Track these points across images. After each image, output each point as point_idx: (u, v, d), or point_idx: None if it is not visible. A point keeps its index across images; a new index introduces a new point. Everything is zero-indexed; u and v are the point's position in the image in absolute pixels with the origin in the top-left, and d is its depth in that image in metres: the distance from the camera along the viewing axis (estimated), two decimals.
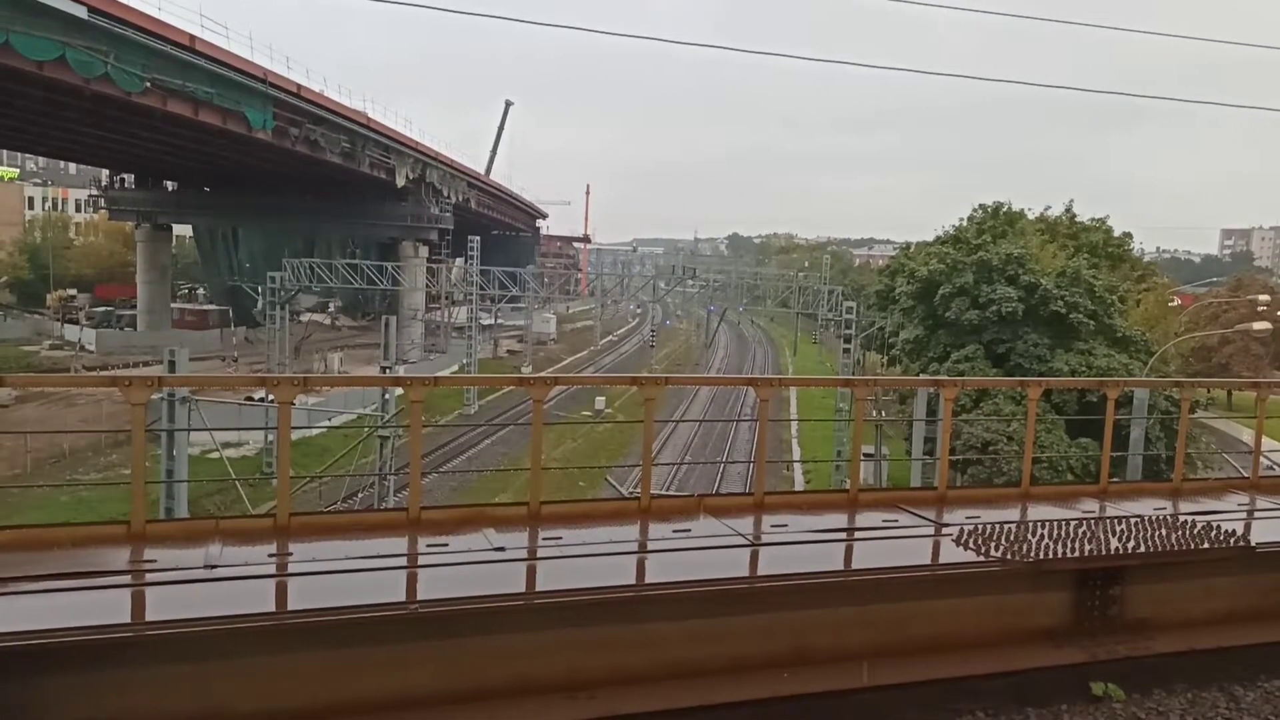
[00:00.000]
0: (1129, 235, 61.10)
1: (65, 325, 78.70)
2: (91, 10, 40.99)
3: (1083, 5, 67.91)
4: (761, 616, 4.94)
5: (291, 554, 5.12)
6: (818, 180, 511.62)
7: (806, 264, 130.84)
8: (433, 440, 44.51)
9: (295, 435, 7.83)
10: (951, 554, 5.58)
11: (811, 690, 4.79)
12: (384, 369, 34.35)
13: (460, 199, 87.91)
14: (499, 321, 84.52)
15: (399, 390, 17.55)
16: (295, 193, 75.98)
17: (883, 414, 40.63)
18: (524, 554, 5.40)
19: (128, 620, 4.25)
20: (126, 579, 4.77)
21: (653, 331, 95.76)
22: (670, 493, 25.06)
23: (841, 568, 5.67)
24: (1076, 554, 5.53)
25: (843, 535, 6.19)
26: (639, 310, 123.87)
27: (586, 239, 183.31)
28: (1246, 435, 33.65)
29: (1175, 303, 61.51)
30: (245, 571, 4.84)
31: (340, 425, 39.46)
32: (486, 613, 4.45)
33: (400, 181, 74.15)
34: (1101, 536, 5.83)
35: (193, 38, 48.55)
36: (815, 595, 5.10)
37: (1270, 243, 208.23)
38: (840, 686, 4.85)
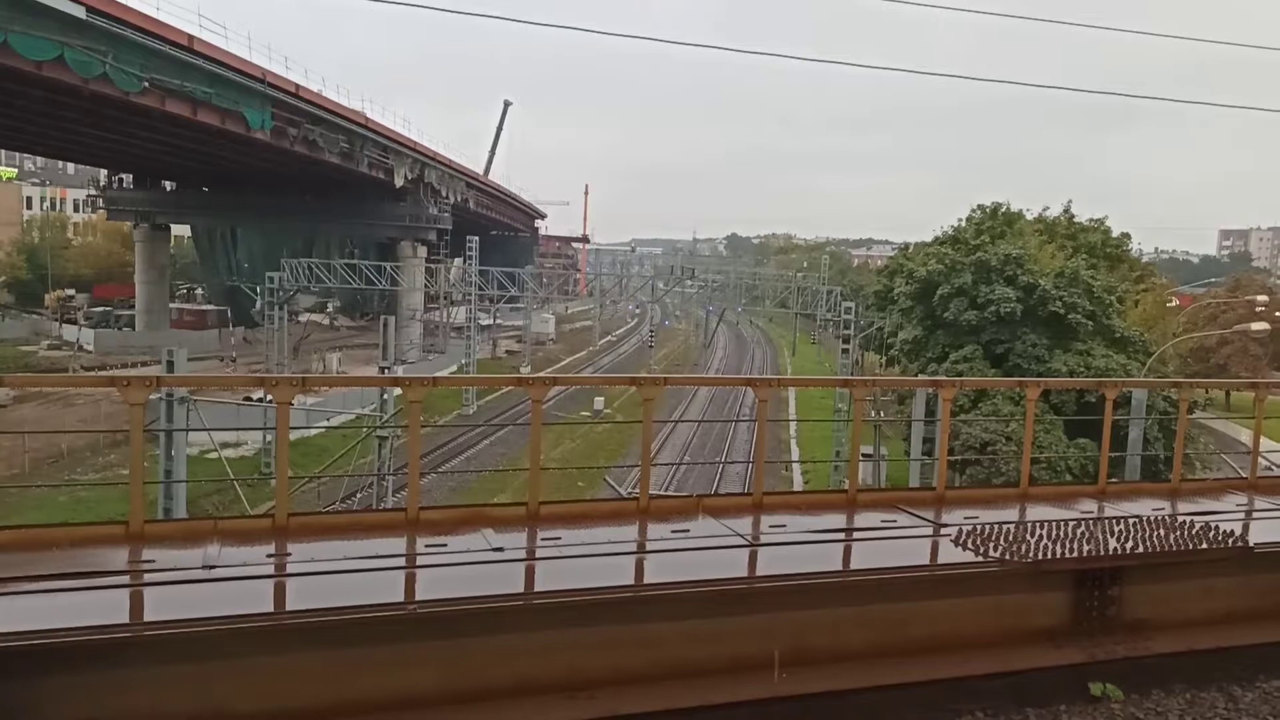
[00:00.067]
0: (1127, 236, 61.27)
1: (63, 325, 78.64)
2: (90, 10, 40.95)
3: (1073, 5, 67.80)
4: (760, 617, 4.95)
5: (290, 554, 5.12)
6: (816, 180, 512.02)
7: (805, 264, 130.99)
8: (431, 440, 44.50)
9: (294, 435, 7.82)
10: (950, 554, 5.58)
11: (811, 690, 4.79)
12: (382, 369, 34.37)
13: (459, 199, 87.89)
14: (498, 322, 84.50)
15: (397, 390, 17.55)
16: (294, 193, 75.94)
17: (881, 414, 40.68)
18: (523, 554, 5.40)
19: (126, 620, 4.24)
20: (125, 579, 4.77)
21: (651, 332, 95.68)
22: (669, 493, 25.05)
23: (840, 568, 5.68)
24: (1075, 554, 5.53)
25: (841, 535, 6.19)
26: (638, 310, 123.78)
27: (585, 239, 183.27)
28: (1245, 436, 33.72)
29: (1173, 303, 61.61)
30: (244, 572, 4.83)
31: (339, 425, 39.46)
32: (485, 613, 4.45)
33: (399, 181, 74.11)
34: (1100, 537, 5.83)
35: (191, 38, 48.51)
36: (814, 596, 5.10)
37: (1268, 243, 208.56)
38: (840, 687, 4.85)
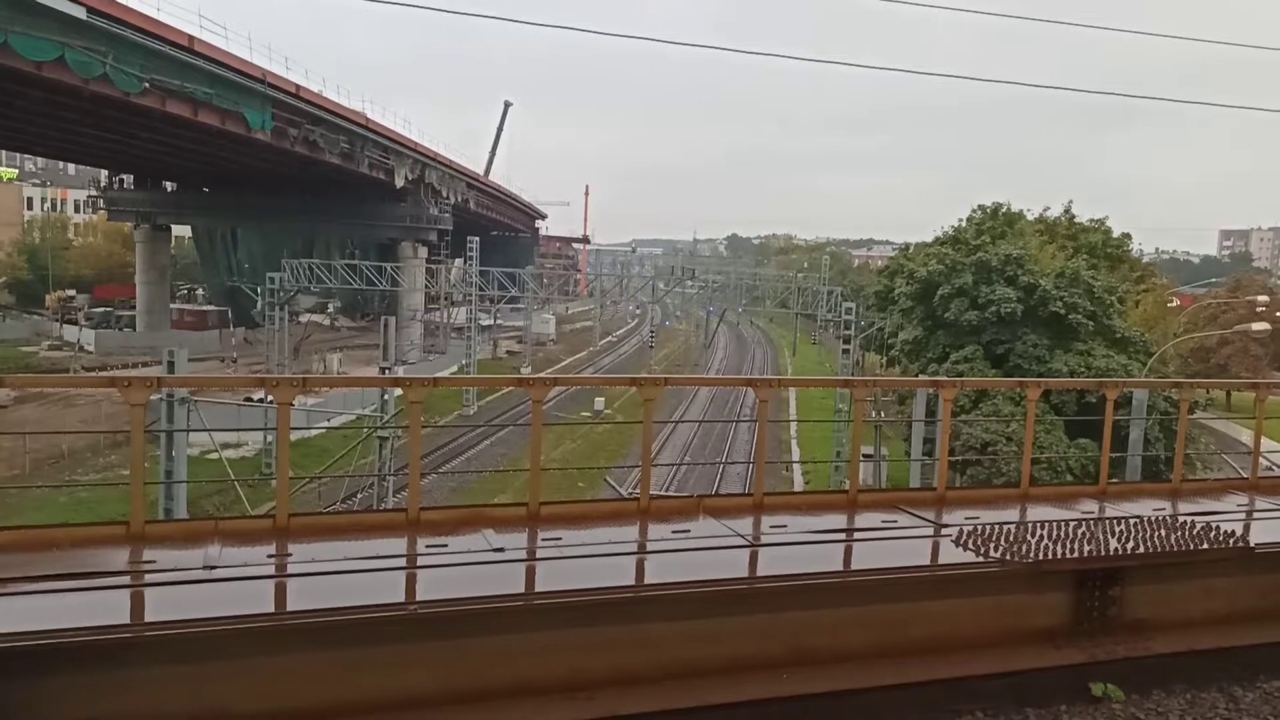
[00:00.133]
0: (1128, 236, 61.31)
1: (64, 326, 78.68)
2: (90, 11, 40.97)
3: (1072, 5, 67.76)
4: (761, 617, 4.95)
5: (291, 555, 5.12)
6: (816, 181, 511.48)
7: (805, 265, 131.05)
8: (432, 441, 44.49)
9: (294, 436, 7.82)
10: (951, 555, 5.58)
11: (811, 690, 4.79)
12: (383, 370, 34.36)
13: (459, 199, 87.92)
14: (498, 322, 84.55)
15: (398, 391, 17.55)
16: (294, 193, 75.97)
17: (882, 414, 40.67)
18: (523, 554, 5.40)
19: (127, 621, 4.25)
20: (126, 580, 4.77)
21: (652, 332, 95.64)
22: (669, 493, 25.04)
23: (841, 568, 5.68)
24: (1076, 555, 5.53)
25: (842, 536, 6.19)
26: (638, 311, 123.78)
27: (585, 239, 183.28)
28: (1245, 436, 33.70)
29: (1174, 303, 61.68)
30: (244, 572, 4.83)
31: (339, 426, 39.46)
32: (486, 613, 4.45)
33: (399, 182, 74.14)
34: (1101, 537, 5.83)
35: (191, 38, 48.54)
36: (814, 596, 5.10)
37: (1269, 243, 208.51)
38: (840, 687, 4.85)
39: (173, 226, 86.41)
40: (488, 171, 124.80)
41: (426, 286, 74.19)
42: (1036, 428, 10.71)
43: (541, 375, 28.34)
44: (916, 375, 41.63)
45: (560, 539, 5.59)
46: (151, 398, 6.14)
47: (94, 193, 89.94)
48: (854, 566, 5.72)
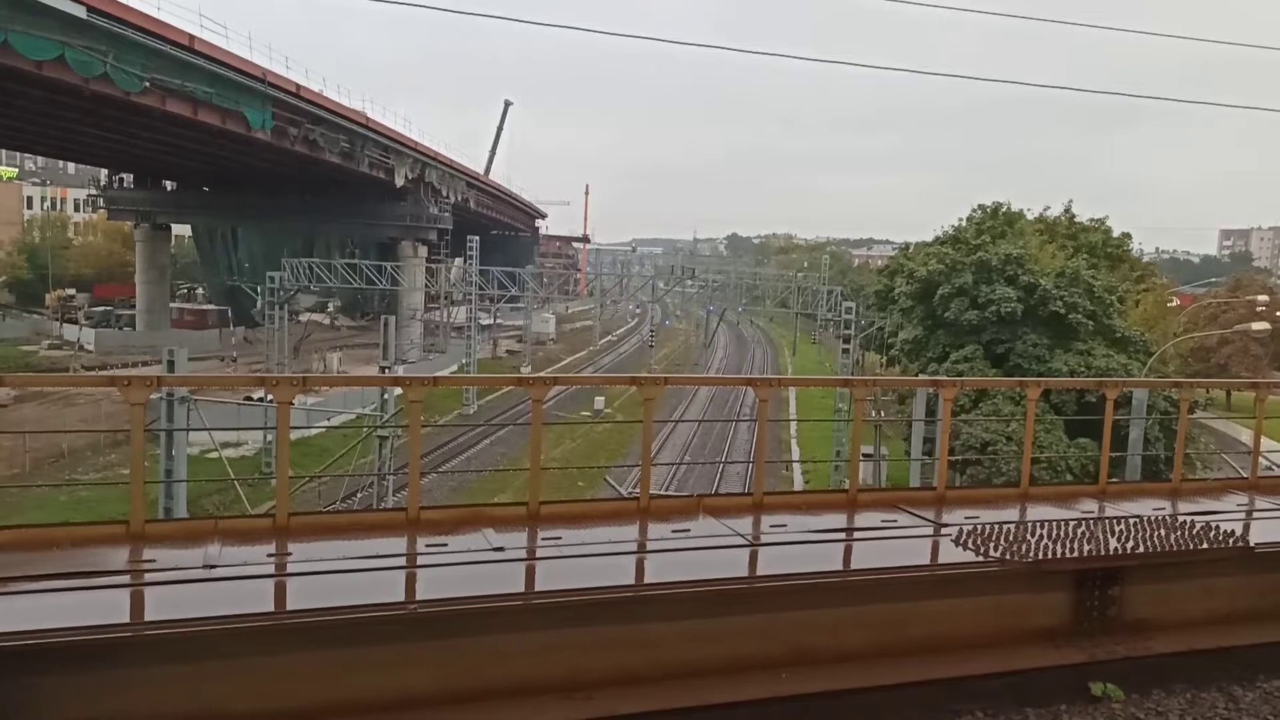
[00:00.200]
0: (1128, 235, 61.19)
1: (64, 325, 78.67)
2: (90, 10, 40.97)
3: (1077, 5, 68.14)
4: (760, 617, 4.94)
5: (290, 554, 5.12)
6: (817, 180, 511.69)
7: (806, 264, 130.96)
8: (432, 440, 44.48)
9: (294, 435, 7.82)
10: (950, 554, 5.58)
11: (811, 690, 4.79)
12: (383, 369, 34.37)
13: (459, 199, 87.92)
14: (498, 321, 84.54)
15: (398, 390, 17.55)
16: (294, 193, 75.98)
17: (882, 414, 40.67)
18: (523, 554, 5.40)
19: (126, 620, 4.25)
20: (125, 579, 4.77)
21: (652, 332, 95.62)
22: (669, 493, 25.04)
23: (840, 568, 5.68)
24: (1075, 554, 5.52)
25: (842, 535, 6.19)
26: (638, 310, 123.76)
27: (586, 239, 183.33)
28: (1245, 436, 33.68)
29: (1174, 303, 61.59)
30: (244, 571, 4.83)
31: (339, 425, 39.48)
32: (485, 613, 4.45)
33: (399, 181, 74.14)
34: (1100, 537, 5.83)
35: (192, 37, 48.54)
36: (814, 596, 5.10)
37: (1269, 243, 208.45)
38: (840, 687, 4.85)
39: (173, 226, 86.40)
40: (488, 171, 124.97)
41: (426, 286, 74.20)
42: (1036, 427, 10.72)
43: (541, 375, 28.34)
44: (916, 375, 41.62)
45: (560, 538, 5.58)
46: (151, 397, 6.14)
47: (94, 192, 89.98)
48: (853, 566, 5.72)
